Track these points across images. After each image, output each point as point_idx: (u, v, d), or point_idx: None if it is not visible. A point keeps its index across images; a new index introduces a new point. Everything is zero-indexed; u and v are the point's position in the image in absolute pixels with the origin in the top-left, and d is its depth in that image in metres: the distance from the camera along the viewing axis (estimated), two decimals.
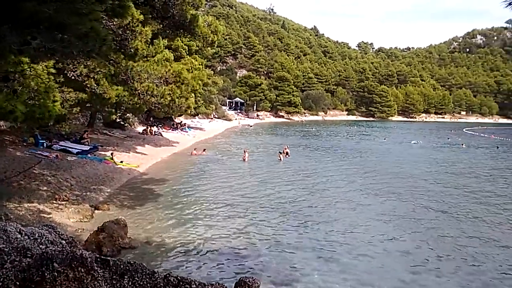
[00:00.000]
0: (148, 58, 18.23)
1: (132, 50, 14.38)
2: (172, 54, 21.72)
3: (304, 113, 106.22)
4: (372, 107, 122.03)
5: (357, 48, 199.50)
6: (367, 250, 11.52)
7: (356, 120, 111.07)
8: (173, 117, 40.32)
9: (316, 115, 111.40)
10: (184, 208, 15.17)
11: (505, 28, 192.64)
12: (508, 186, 22.34)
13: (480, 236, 13.14)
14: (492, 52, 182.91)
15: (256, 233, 12.62)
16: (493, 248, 12.04)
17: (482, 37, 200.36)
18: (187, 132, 44.04)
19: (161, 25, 16.39)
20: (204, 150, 31.08)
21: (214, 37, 20.87)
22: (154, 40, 18.73)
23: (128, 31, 13.72)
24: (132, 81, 14.09)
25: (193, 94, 19.86)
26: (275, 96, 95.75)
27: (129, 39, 14.06)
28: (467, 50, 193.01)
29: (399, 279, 9.84)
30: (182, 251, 10.94)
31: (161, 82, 14.57)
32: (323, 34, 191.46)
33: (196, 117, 58.64)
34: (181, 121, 48.64)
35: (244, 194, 17.71)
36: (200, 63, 29.75)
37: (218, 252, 10.98)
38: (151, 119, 38.65)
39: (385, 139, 52.96)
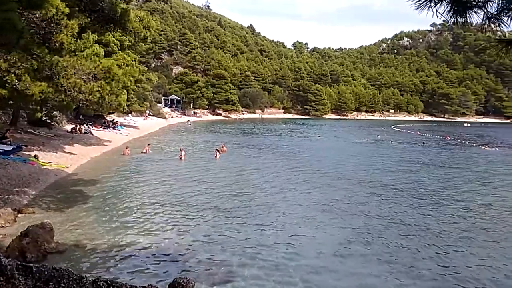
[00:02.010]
0: (77, 53, 17.39)
1: (57, 44, 13.62)
2: (102, 49, 20.90)
3: (242, 111, 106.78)
4: (307, 106, 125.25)
5: (292, 48, 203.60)
6: (303, 247, 11.76)
7: (292, 118, 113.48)
8: (104, 115, 38.85)
9: (254, 113, 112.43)
10: (115, 209, 14.66)
11: (430, 31, 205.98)
12: (432, 179, 23.88)
13: (410, 224, 13.96)
14: (418, 54, 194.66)
15: (192, 232, 12.48)
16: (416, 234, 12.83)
17: (408, 39, 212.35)
18: (119, 130, 42.61)
19: (89, 19, 15.65)
20: (149, 145, 30.98)
21: (146, 32, 20.31)
22: (83, 34, 17.89)
23: (52, 24, 12.95)
24: (57, 76, 13.33)
25: (125, 91, 19.25)
26: (212, 94, 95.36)
27: (54, 33, 13.29)
28: (395, 51, 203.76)
29: (334, 278, 10.17)
30: (114, 254, 10.57)
31: (89, 78, 13.91)
32: (259, 32, 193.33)
33: (129, 114, 56.98)
34: (113, 119, 47.07)
35: (179, 194, 17.45)
36: (133, 59, 28.89)
37: (152, 253, 10.74)
38: (81, 117, 37.04)
39: (319, 136, 54.58)
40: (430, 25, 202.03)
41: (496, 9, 3.50)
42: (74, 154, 25.30)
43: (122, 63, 21.55)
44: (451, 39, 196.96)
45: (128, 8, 16.41)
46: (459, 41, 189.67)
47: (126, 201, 15.90)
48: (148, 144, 31.56)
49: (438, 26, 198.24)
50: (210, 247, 11.39)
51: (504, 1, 3.40)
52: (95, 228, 12.41)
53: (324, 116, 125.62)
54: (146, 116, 64.18)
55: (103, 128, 40.82)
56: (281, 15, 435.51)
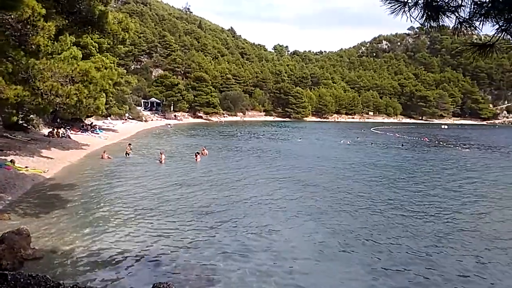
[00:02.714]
0: (54, 56, 17.07)
1: (33, 47, 13.34)
2: (80, 52, 20.56)
3: (223, 114, 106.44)
4: (288, 108, 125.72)
5: (273, 51, 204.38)
6: (285, 250, 11.80)
7: (274, 121, 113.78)
8: (82, 118, 38.24)
9: (235, 115, 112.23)
10: (94, 214, 14.43)
11: (408, 35, 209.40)
12: (412, 181, 24.25)
13: (390, 224, 14.15)
14: (396, 57, 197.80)
15: (172, 237, 12.39)
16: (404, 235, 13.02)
17: (387, 43, 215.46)
18: (98, 134, 41.99)
19: (67, 21, 15.40)
20: (130, 144, 31.14)
21: (125, 34, 20.11)
22: (60, 37, 17.58)
23: (28, 26, 12.70)
24: (33, 80, 13.05)
25: (103, 94, 18.95)
26: (193, 97, 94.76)
27: (30, 35, 13.03)
28: (374, 54, 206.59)
29: (320, 278, 10.23)
30: (93, 259, 10.42)
31: (66, 81, 13.68)
32: (240, 35, 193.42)
33: (108, 118, 56.20)
34: (92, 123, 46.38)
35: (159, 198, 17.29)
36: (112, 62, 28.55)
37: (132, 258, 10.62)
38: (58, 120, 36.35)
39: (300, 139, 54.87)
40: (408, 29, 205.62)
41: (468, 14, 3.59)
42: (51, 158, 24.82)
43: (101, 66, 21.27)
44: (428, 43, 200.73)
45: (106, 10, 16.22)
46: (436, 44, 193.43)
47: (105, 206, 15.67)
48: (129, 144, 31.42)
49: (416, 29, 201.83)
50: (190, 251, 11.33)
51: (475, 6, 3.49)
52: (73, 233, 12.19)
53: (305, 118, 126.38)
54: (126, 119, 63.44)
55: (81, 132, 40.19)
56: (261, 18, 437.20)
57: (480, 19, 3.55)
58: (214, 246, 11.80)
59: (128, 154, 29.40)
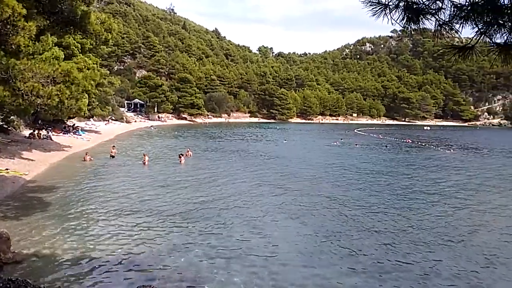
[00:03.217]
0: (35, 56, 16.78)
1: (13, 47, 13.11)
2: (62, 52, 20.25)
3: (208, 115, 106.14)
4: (273, 110, 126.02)
5: (257, 52, 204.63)
6: (269, 252, 11.81)
7: (259, 122, 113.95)
8: (64, 119, 37.69)
9: (220, 117, 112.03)
10: (76, 217, 14.23)
11: (391, 37, 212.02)
12: (395, 181, 24.53)
13: (373, 224, 14.28)
14: (380, 59, 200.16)
15: (156, 239, 12.29)
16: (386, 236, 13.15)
17: (370, 45, 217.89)
18: (80, 135, 41.46)
19: (48, 21, 15.15)
20: (114, 147, 30.76)
21: (108, 35, 19.88)
22: (41, 37, 17.29)
23: (8, 26, 12.47)
24: (14, 80, 12.81)
25: (85, 95, 18.70)
26: (177, 98, 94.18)
27: (10, 35, 12.79)
28: (358, 56, 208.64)
29: (302, 277, 10.26)
30: (75, 263, 10.28)
31: (48, 82, 13.45)
32: (224, 37, 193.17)
33: (91, 119, 55.51)
34: (74, 124, 45.76)
35: (142, 200, 17.14)
36: (94, 62, 28.19)
37: (116, 262, 10.49)
38: (39, 121, 35.76)
39: (285, 140, 55.03)
40: (391, 31, 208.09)
41: (448, 17, 3.65)
42: (32, 160, 24.41)
43: (83, 67, 20.99)
44: (411, 45, 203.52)
45: (88, 11, 16.02)
46: (418, 47, 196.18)
47: (88, 209, 15.46)
48: (113, 146, 31.10)
49: (399, 32, 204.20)
50: (174, 253, 11.25)
51: (455, 9, 3.55)
52: (55, 237, 12.00)
53: (289, 120, 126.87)
54: (109, 120, 62.76)
55: (63, 133, 39.63)
56: (246, 20, 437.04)
57: (460, 21, 3.62)
58: (198, 248, 11.74)
59: (113, 156, 29.10)
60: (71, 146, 33.21)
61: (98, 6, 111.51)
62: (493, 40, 3.74)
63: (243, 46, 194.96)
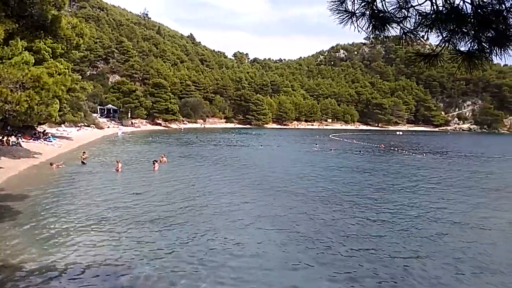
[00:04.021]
0: (3, 61, 16.34)
1: None
2: (32, 57, 19.82)
3: (183, 121, 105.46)
4: (249, 115, 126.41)
5: (233, 58, 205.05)
6: (245, 258, 11.78)
7: (235, 128, 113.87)
8: (34, 125, 36.77)
9: (195, 122, 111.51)
10: (47, 226, 13.86)
11: (364, 44, 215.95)
12: (368, 186, 24.88)
13: (347, 228, 14.43)
14: (353, 66, 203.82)
15: (129, 248, 12.06)
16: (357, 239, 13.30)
17: (344, 52, 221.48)
18: (51, 142, 40.52)
19: (18, 25, 14.77)
20: (84, 153, 30.30)
21: (79, 40, 19.54)
22: (10, 41, 16.85)
23: None
24: None
25: (56, 101, 18.27)
26: (151, 103, 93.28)
27: None
28: (332, 63, 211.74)
29: (279, 282, 10.27)
30: (44, 273, 10.00)
31: (17, 87, 13.10)
32: (199, 42, 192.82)
33: (62, 125, 54.33)
34: (44, 130, 44.71)
35: (115, 207, 16.82)
36: (66, 67, 27.65)
37: (86, 271, 10.26)
38: (8, 128, 34.74)
39: (261, 146, 55.15)
40: (364, 38, 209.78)
41: (413, 25, 3.75)
42: (0, 167, 23.70)
43: (54, 72, 20.55)
44: (383, 52, 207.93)
45: (59, 15, 15.69)
46: (391, 54, 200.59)
47: (58, 217, 15.07)
48: (84, 152, 30.47)
49: (372, 39, 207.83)
50: (148, 261, 11.08)
51: (420, 18, 3.65)
52: (24, 246, 11.67)
53: (265, 125, 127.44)
54: (81, 126, 61.59)
55: (34, 140, 38.71)
56: (221, 25, 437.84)
57: (424, 30, 3.72)
58: (173, 255, 11.61)
59: (84, 163, 28.54)
60: (41, 153, 32.39)
61: (70, 10, 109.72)
62: (457, 48, 3.86)
63: (219, 51, 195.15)
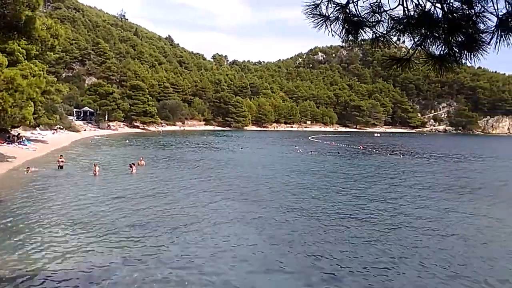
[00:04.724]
0: None
1: None
2: (5, 59, 19.35)
3: (161, 123, 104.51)
4: (228, 117, 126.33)
5: (212, 60, 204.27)
6: (224, 261, 11.76)
7: (214, 130, 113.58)
8: (8, 128, 35.87)
9: (174, 125, 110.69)
10: (23, 230, 13.56)
11: (342, 47, 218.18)
12: (347, 187, 25.17)
13: (324, 228, 14.56)
14: (331, 68, 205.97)
15: (106, 253, 11.89)
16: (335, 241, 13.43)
17: (322, 54, 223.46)
18: (25, 145, 39.62)
19: None
20: (61, 156, 29.49)
21: (54, 41, 19.18)
22: None
23: None
24: None
25: (31, 103, 17.87)
26: (129, 106, 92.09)
27: None
28: (310, 65, 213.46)
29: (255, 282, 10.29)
30: (21, 280, 9.77)
31: None
32: (178, 44, 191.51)
33: (37, 128, 53.13)
34: (18, 133, 43.63)
35: (92, 212, 16.56)
36: (41, 69, 27.03)
37: (64, 277, 10.07)
38: None
39: (241, 148, 55.09)
40: (341, 41, 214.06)
41: (386, 29, 3.83)
42: None
43: (28, 73, 20.11)
44: (361, 55, 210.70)
45: (34, 15, 15.43)
46: (368, 56, 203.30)
47: (34, 222, 14.73)
48: (61, 156, 29.69)
49: (347, 42, 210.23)
50: (126, 266, 10.94)
51: (393, 22, 3.74)
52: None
53: (245, 127, 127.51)
54: (56, 129, 60.36)
55: (7, 143, 37.77)
56: (200, 27, 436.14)
57: (397, 34, 3.81)
58: (152, 259, 11.49)
59: (62, 167, 27.94)
60: (15, 157, 31.58)
61: (45, 11, 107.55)
62: (429, 52, 3.95)
63: (197, 53, 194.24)
